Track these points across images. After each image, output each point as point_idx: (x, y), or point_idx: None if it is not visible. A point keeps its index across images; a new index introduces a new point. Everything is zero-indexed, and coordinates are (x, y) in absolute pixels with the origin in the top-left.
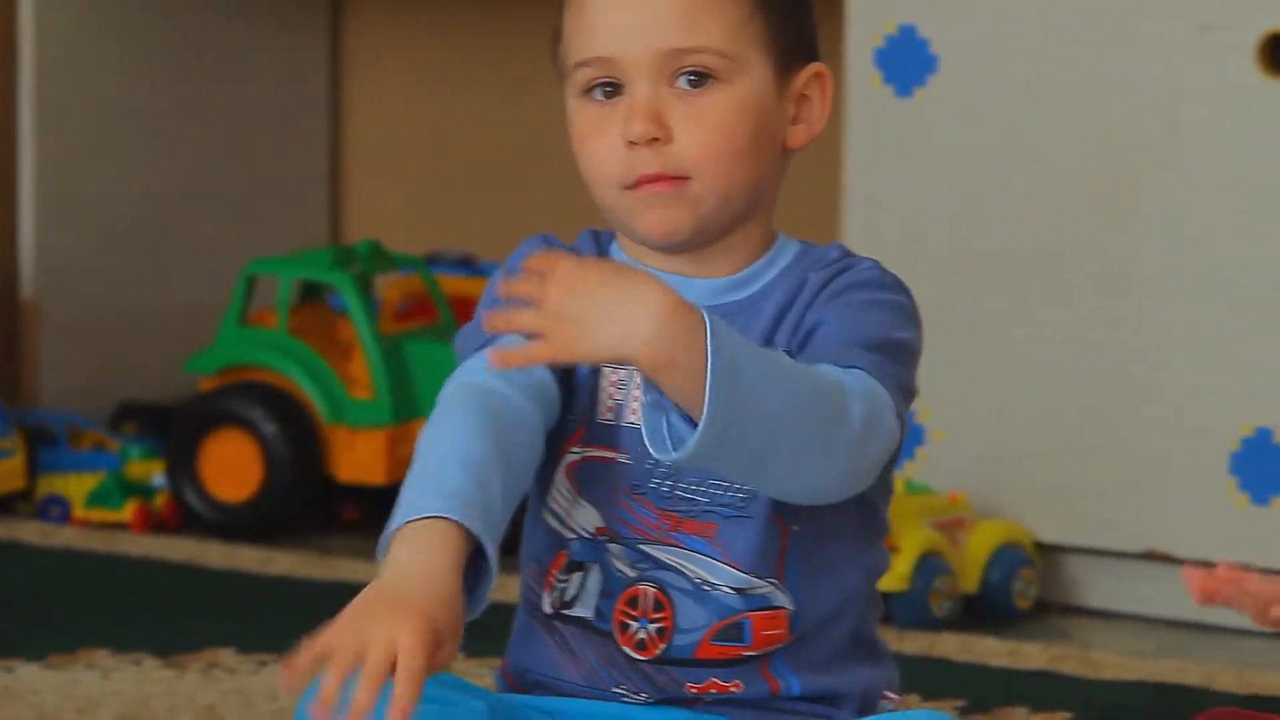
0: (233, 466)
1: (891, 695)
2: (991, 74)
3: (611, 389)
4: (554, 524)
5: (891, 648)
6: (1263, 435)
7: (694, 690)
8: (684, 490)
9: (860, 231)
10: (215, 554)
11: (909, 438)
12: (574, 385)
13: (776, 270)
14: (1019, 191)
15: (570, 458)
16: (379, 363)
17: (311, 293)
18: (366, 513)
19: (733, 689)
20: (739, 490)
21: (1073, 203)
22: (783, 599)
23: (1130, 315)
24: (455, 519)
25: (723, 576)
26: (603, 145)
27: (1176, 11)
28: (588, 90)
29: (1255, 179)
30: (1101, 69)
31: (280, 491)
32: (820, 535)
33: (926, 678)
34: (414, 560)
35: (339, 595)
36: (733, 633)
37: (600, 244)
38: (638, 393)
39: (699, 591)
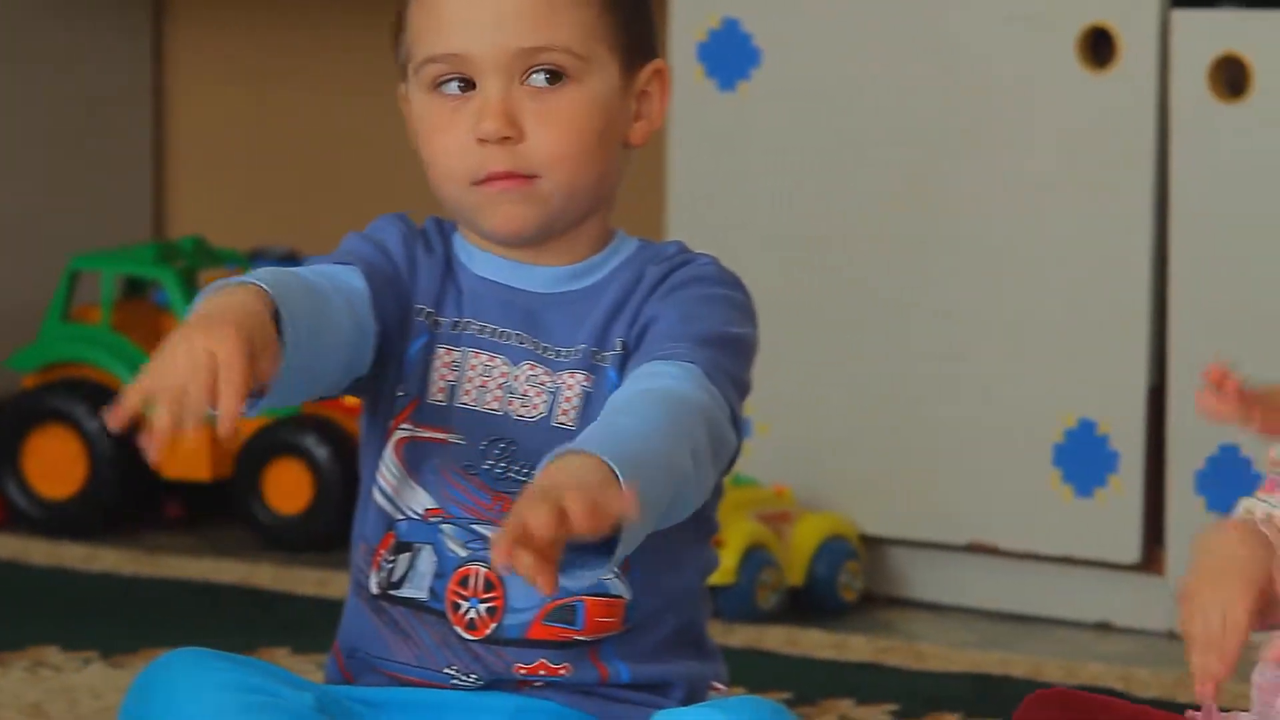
0: (56, 463)
1: (719, 685)
2: (813, 67)
3: (444, 369)
4: (383, 503)
5: (718, 641)
6: (1085, 427)
7: (523, 671)
8: (517, 473)
9: (683, 224)
10: (39, 551)
11: None
12: (403, 357)
13: (615, 263)
14: (841, 184)
15: (400, 434)
16: None
17: (135, 288)
18: (191, 509)
19: (561, 672)
20: None
21: (896, 195)
22: (620, 588)
23: (955, 308)
24: (260, 285)
25: None
26: (452, 140)
27: (993, 4)
28: (437, 85)
29: (1074, 170)
30: (919, 61)
31: (104, 488)
32: (663, 534)
33: (753, 671)
34: (221, 298)
35: (164, 591)
36: (565, 614)
37: (444, 232)
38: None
39: None
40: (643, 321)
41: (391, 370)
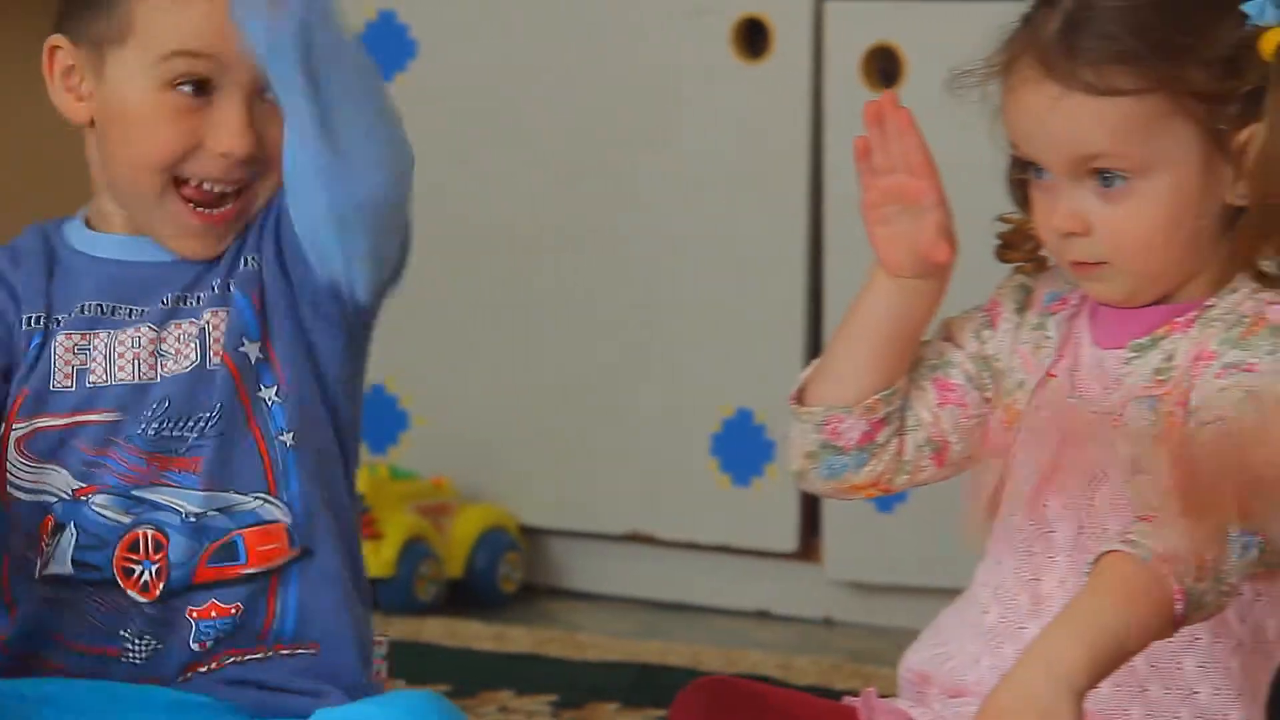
0: None
1: (381, 638)
2: (475, 59)
3: (68, 355)
4: (24, 496)
5: (378, 633)
6: (743, 416)
7: (195, 615)
8: (169, 431)
9: None
10: None
11: (392, 423)
12: (17, 365)
13: None
14: (506, 176)
15: (17, 432)
16: None
17: None
18: None
19: (233, 611)
20: (218, 417)
21: (558, 186)
22: (276, 512)
23: (613, 298)
24: None
25: (208, 503)
26: (175, 134)
27: None
28: (175, 81)
29: (729, 160)
30: (578, 54)
31: None
32: (305, 446)
33: (413, 663)
34: None
35: None
36: (226, 553)
37: (45, 234)
38: (105, 359)
39: (188, 523)
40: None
41: (12, 382)
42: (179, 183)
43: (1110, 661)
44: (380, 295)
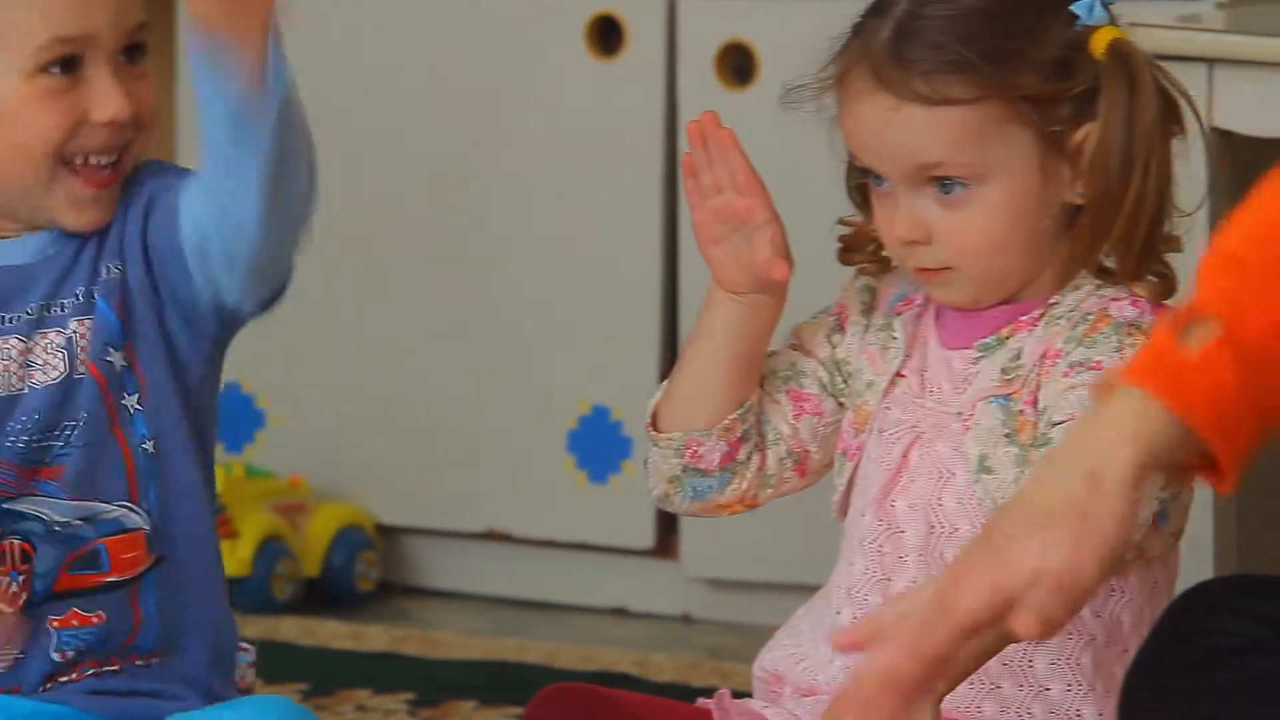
0: None
1: (246, 646)
2: (329, 59)
3: None
4: None
5: (246, 643)
6: (599, 414)
7: (56, 624)
8: (37, 442)
9: None
10: None
11: (248, 422)
12: None
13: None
14: (361, 174)
15: None
16: None
17: None
18: None
19: (95, 620)
20: (84, 426)
21: (414, 183)
22: (137, 520)
23: (469, 295)
24: None
25: (75, 512)
26: (57, 116)
27: None
28: (43, 66)
29: (585, 158)
30: (436, 50)
31: None
32: (165, 452)
33: (269, 662)
34: None
35: None
36: (88, 561)
37: None
38: None
39: (52, 532)
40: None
41: None
42: (66, 164)
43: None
44: (267, 308)
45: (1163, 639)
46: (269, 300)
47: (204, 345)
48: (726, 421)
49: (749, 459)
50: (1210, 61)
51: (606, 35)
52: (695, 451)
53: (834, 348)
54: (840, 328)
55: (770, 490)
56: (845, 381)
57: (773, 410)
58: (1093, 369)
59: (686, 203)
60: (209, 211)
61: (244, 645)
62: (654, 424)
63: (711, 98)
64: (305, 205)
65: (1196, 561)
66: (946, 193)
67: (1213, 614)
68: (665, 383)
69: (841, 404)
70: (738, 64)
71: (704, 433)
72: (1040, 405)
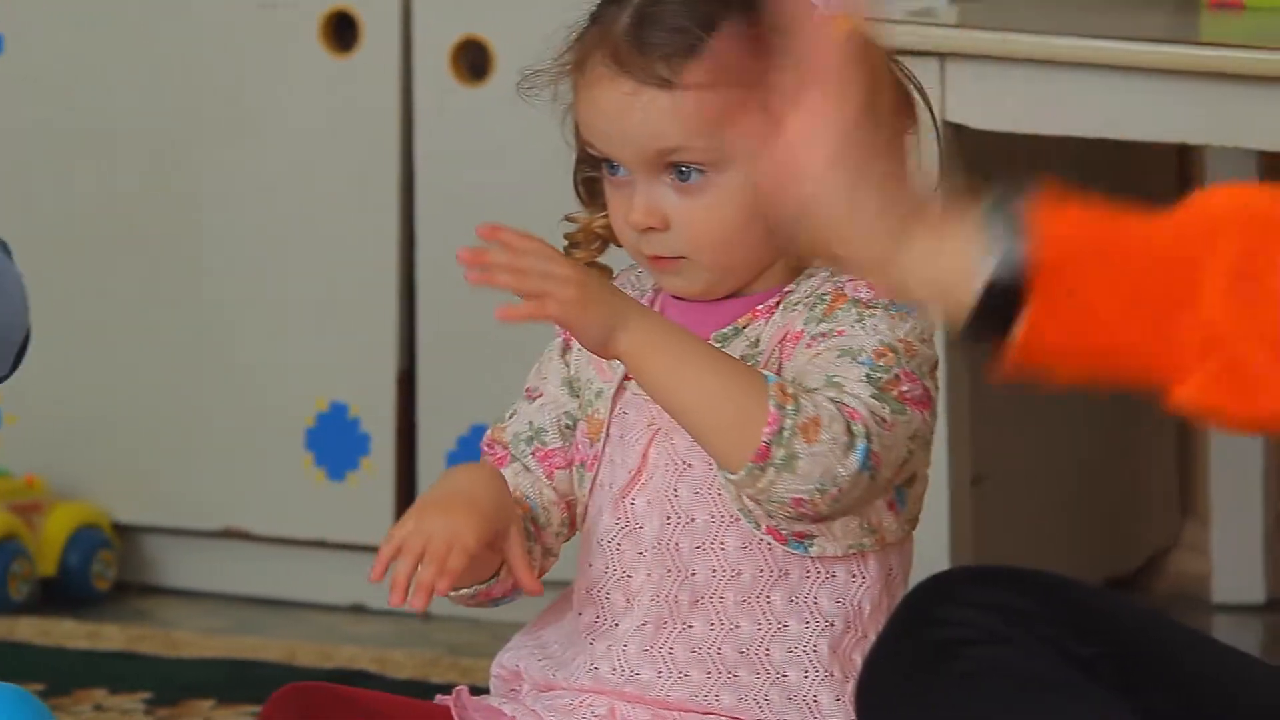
0: None
1: None
2: (57, 54)
3: None
4: None
5: None
6: (337, 411)
7: None
8: None
9: None
10: None
11: None
12: None
13: None
14: (90, 173)
15: None
16: None
17: None
18: None
19: None
20: None
21: (143, 183)
22: None
23: (204, 292)
24: None
25: None
26: None
27: None
28: None
29: (321, 154)
30: (165, 47)
31: None
32: None
33: (5, 663)
34: None
35: None
36: None
37: None
38: None
39: None
40: None
41: None
42: None
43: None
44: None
45: (897, 629)
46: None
47: None
48: (503, 571)
49: (537, 555)
50: (942, 56)
51: (342, 32)
52: (488, 594)
53: (567, 367)
54: (569, 345)
55: (554, 557)
56: (579, 397)
57: (529, 482)
58: (836, 336)
59: (422, 198)
60: None
61: None
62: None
63: (447, 94)
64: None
65: (934, 554)
66: (684, 179)
67: (946, 604)
68: None
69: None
70: (473, 60)
71: (488, 583)
72: (786, 378)
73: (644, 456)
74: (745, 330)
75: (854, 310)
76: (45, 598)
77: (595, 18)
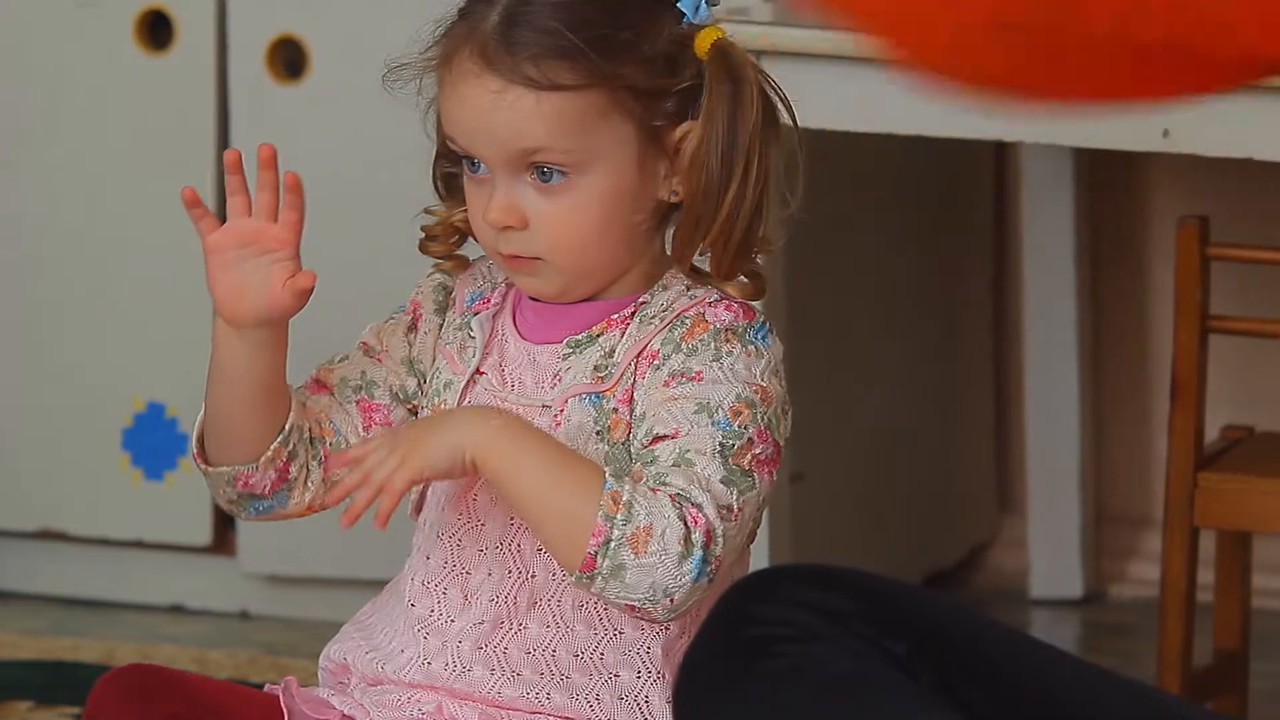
0: None
1: None
2: None
3: None
4: None
5: None
6: (155, 410)
7: None
8: None
9: None
10: None
11: None
12: None
13: None
14: None
15: None
16: None
17: None
18: None
19: None
20: None
21: None
22: None
23: (18, 293)
24: None
25: None
26: None
27: None
28: None
29: (138, 153)
30: None
31: None
32: None
33: None
34: None
35: None
36: None
37: None
38: None
39: None
40: None
41: None
42: None
43: (514, 466)
44: None
45: (713, 627)
46: None
47: None
48: (269, 453)
49: (303, 473)
50: (758, 54)
51: (156, 30)
52: (246, 482)
53: (410, 347)
54: (414, 326)
55: (339, 491)
56: (421, 381)
57: (342, 420)
58: (694, 380)
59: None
60: None
61: None
62: (201, 455)
63: (263, 92)
64: None
65: (754, 552)
66: (545, 180)
67: (762, 603)
68: (200, 415)
69: (413, 410)
70: (289, 59)
71: (249, 465)
72: (638, 410)
73: None
74: (600, 339)
75: (712, 345)
76: None
77: (464, 14)
